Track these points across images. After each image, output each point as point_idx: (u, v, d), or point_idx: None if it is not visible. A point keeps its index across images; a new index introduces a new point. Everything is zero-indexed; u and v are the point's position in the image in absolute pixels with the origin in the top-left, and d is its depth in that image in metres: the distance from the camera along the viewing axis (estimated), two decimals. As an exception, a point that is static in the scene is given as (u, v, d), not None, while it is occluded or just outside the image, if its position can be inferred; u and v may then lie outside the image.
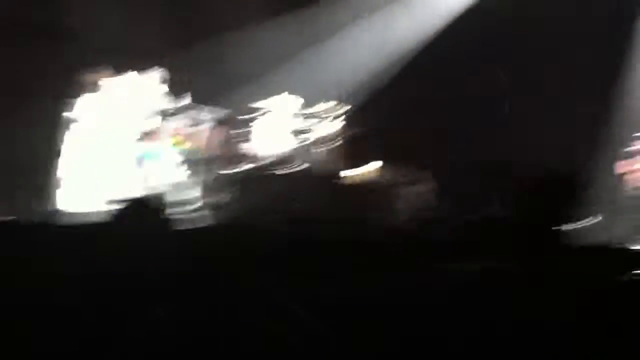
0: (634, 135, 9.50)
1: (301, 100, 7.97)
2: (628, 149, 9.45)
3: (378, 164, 8.73)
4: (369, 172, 8.57)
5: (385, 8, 9.51)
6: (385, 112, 8.81)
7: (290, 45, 8.77)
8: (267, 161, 7.58)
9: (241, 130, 7.70)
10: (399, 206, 8.36)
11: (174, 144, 6.90)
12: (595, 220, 9.89)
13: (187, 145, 6.89)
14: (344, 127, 8.25)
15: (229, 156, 7.00)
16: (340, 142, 8.14)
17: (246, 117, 7.78)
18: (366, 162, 8.65)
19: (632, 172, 9.36)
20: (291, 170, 7.43)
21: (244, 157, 7.67)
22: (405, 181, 8.86)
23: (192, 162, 6.81)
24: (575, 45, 10.04)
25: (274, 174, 7.40)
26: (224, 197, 6.87)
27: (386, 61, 9.30)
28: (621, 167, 9.40)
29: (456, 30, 9.54)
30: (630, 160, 9.38)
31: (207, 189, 6.83)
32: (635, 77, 10.68)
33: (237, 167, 7.37)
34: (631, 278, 4.11)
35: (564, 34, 10.03)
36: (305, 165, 7.52)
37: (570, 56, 10.21)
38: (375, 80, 9.19)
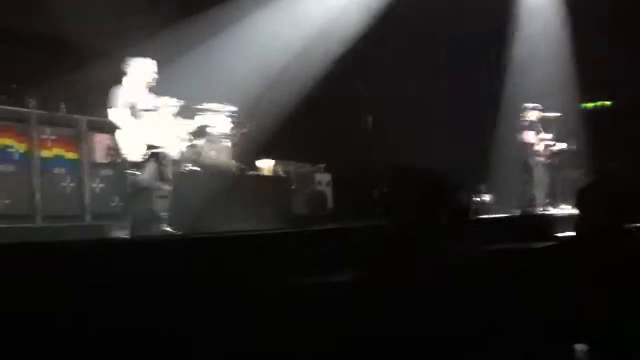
0: (527, 105, 10.10)
1: (183, 102, 7.84)
2: (527, 121, 10.03)
3: (270, 161, 8.79)
4: (261, 169, 8.62)
5: (265, 12, 9.58)
6: (272, 113, 8.89)
7: (174, 47, 8.64)
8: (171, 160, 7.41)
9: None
10: (291, 202, 8.46)
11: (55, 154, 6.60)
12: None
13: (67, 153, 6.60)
14: (233, 127, 8.23)
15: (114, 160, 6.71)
16: (230, 141, 8.12)
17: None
18: (257, 160, 8.71)
19: (533, 142, 9.93)
20: (183, 170, 7.31)
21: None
22: (294, 179, 8.99)
23: (72, 169, 6.51)
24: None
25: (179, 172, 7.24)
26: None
27: (269, 64, 9.38)
28: (526, 137, 9.92)
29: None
30: (532, 130, 9.95)
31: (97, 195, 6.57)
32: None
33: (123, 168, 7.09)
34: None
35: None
36: (198, 163, 7.41)
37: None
38: (259, 82, 9.27)
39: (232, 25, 9.25)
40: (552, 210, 9.46)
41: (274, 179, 8.62)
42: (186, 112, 7.97)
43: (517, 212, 9.31)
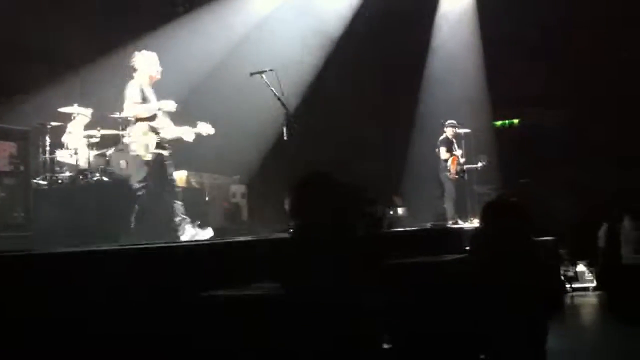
0: (443, 122, 10.37)
1: (91, 110, 7.65)
2: (442, 137, 10.30)
3: (183, 172, 8.62)
4: (178, 179, 8.44)
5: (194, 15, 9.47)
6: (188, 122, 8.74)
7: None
8: (76, 170, 7.19)
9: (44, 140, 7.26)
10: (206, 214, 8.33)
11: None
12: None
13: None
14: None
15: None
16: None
17: (49, 126, 7.33)
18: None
19: (448, 157, 10.19)
20: (96, 179, 7.08)
21: (52, 167, 7.24)
22: (208, 190, 8.87)
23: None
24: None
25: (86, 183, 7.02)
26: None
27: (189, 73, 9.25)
28: (442, 152, 10.18)
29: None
30: (447, 147, 10.22)
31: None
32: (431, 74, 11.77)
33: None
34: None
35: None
36: (112, 173, 7.20)
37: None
38: (179, 91, 9.12)
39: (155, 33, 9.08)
40: (461, 224, 9.71)
41: (186, 190, 8.46)
42: (97, 120, 7.77)
43: (429, 225, 9.51)
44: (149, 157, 6.57)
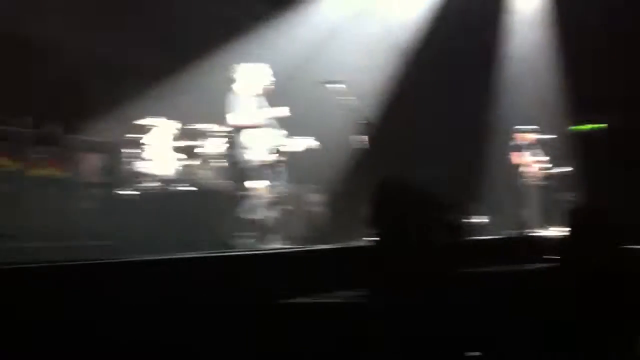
0: (514, 128, 10.20)
1: (175, 122, 7.92)
2: (513, 142, 10.13)
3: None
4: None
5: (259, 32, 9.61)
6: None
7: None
8: (161, 181, 7.47)
9: (127, 152, 7.57)
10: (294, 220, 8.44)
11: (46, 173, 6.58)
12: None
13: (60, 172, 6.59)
14: (228, 146, 8.23)
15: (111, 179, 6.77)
16: (227, 161, 8.12)
17: (129, 138, 7.65)
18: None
19: (525, 164, 10.02)
20: (182, 189, 7.32)
21: (138, 178, 7.55)
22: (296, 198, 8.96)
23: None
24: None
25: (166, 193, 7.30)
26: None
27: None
28: (514, 158, 10.03)
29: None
30: (519, 152, 10.04)
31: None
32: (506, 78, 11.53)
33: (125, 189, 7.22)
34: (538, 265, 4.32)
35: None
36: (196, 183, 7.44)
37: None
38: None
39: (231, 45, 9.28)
40: (543, 232, 9.46)
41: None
42: (178, 131, 8.01)
43: (510, 234, 9.30)
44: (260, 163, 6.79)
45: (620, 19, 10.61)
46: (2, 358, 2.79)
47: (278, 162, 6.92)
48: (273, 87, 7.03)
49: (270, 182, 6.87)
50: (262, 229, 6.86)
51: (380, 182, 3.48)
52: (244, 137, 6.81)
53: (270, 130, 6.94)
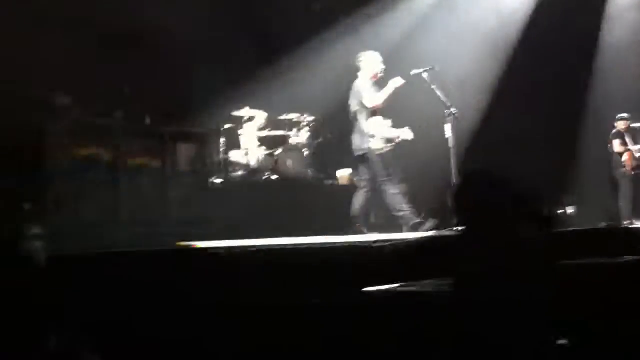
0: (619, 116, 9.87)
1: (262, 112, 8.09)
2: (615, 130, 9.81)
3: (348, 170, 8.81)
4: (342, 177, 8.65)
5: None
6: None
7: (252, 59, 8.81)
8: (248, 170, 7.68)
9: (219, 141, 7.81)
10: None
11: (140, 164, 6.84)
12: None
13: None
14: (311, 136, 8.33)
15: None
16: (311, 151, 8.23)
17: (223, 128, 7.89)
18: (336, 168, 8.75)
19: (624, 152, 9.70)
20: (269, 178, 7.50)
21: (227, 167, 7.80)
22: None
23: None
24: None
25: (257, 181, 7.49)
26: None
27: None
28: (616, 146, 9.72)
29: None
30: (621, 140, 9.72)
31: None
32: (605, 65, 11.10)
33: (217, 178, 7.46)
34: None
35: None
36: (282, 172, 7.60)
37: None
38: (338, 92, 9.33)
39: (317, 35, 9.35)
40: (638, 224, 9.10)
41: (351, 188, 8.63)
42: (266, 122, 8.17)
43: (602, 225, 8.99)
44: (384, 150, 6.89)
45: None
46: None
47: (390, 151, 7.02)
48: (382, 75, 7.13)
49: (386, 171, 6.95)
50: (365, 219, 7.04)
51: (465, 173, 3.45)
52: (369, 124, 6.94)
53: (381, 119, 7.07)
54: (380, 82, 7.13)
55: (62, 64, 6.53)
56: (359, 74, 7.12)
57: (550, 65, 10.89)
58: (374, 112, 7.00)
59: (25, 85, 5.97)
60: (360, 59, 7.15)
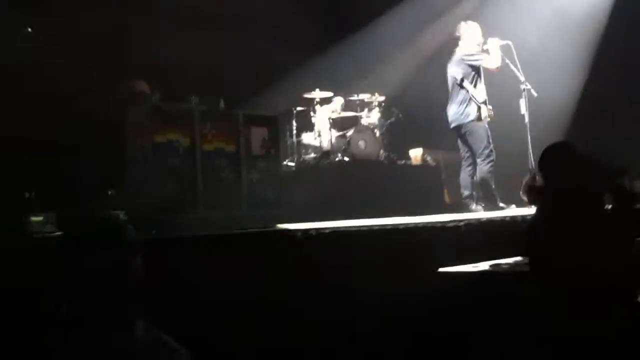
0: None
1: (332, 94, 8.11)
2: None
3: (419, 149, 8.76)
4: (415, 156, 8.61)
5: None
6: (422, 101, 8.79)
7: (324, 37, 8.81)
8: (321, 152, 7.75)
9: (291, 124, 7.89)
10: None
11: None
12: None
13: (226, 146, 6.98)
14: (383, 116, 8.30)
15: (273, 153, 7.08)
16: (382, 131, 8.20)
17: (295, 111, 7.97)
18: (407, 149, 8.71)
19: None
20: (342, 159, 7.51)
21: (299, 150, 7.88)
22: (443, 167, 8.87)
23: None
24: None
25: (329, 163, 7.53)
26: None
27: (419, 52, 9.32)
28: None
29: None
30: None
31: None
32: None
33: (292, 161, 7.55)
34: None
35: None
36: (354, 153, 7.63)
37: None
38: (408, 70, 9.23)
39: (383, 14, 9.28)
40: None
41: (422, 167, 8.58)
42: (337, 103, 8.18)
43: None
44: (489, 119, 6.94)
45: None
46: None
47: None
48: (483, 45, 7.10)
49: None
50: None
51: (547, 147, 3.39)
52: (478, 91, 6.93)
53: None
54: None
55: (139, 50, 6.76)
56: (460, 43, 7.09)
57: (627, 32, 10.41)
58: (479, 77, 6.98)
59: (106, 74, 6.18)
60: (461, 29, 7.11)
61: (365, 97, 8.30)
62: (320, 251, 3.65)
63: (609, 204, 3.37)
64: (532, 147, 6.69)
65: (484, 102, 6.92)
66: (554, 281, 3.05)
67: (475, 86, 6.93)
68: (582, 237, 3.05)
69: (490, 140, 6.90)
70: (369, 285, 3.56)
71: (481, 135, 6.87)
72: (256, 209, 6.86)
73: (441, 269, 3.74)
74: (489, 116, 6.91)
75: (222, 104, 6.86)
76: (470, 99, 6.88)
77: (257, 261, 3.45)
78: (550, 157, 3.34)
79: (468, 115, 6.91)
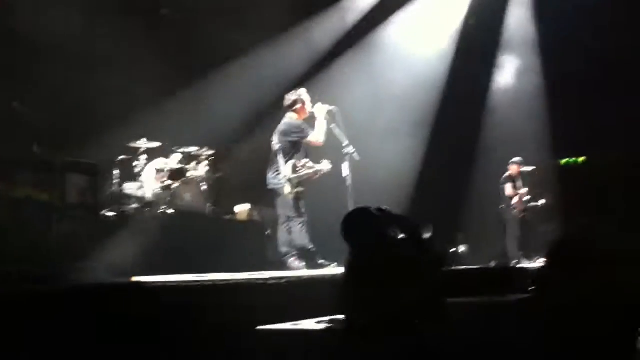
0: (511, 161, 10.35)
1: (159, 144, 7.93)
2: (506, 174, 10.28)
3: (247, 205, 8.74)
4: (240, 213, 8.57)
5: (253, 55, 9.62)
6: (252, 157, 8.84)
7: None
8: (143, 203, 7.45)
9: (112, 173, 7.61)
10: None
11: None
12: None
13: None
14: (210, 170, 8.22)
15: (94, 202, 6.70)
16: (209, 184, 8.10)
17: (117, 159, 7.65)
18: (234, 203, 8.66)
19: (517, 195, 10.16)
20: (161, 211, 7.29)
21: (121, 199, 7.54)
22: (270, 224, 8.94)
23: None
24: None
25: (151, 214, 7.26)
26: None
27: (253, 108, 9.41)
28: (507, 190, 10.17)
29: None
30: (512, 184, 10.19)
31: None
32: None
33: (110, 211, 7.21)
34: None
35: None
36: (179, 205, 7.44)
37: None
38: (239, 126, 9.28)
39: (220, 69, 9.31)
40: (526, 264, 9.49)
41: (249, 223, 8.56)
42: (164, 154, 7.98)
43: (492, 264, 9.32)
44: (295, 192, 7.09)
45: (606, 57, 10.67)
46: None
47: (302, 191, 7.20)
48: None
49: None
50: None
51: (347, 213, 3.51)
52: (287, 167, 7.09)
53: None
54: (308, 120, 7.31)
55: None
56: (288, 114, 7.27)
57: (444, 102, 11.29)
58: (296, 152, 7.14)
59: None
60: (290, 97, 7.27)
61: (193, 150, 8.19)
62: (131, 307, 3.45)
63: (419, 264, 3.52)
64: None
65: (290, 180, 7.08)
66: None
67: (290, 159, 7.11)
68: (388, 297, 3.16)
69: (301, 209, 7.13)
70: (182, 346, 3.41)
71: (288, 204, 7.10)
72: (72, 262, 6.43)
73: (259, 327, 3.67)
74: (293, 193, 7.08)
75: (36, 149, 6.43)
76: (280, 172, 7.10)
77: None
78: (348, 223, 3.46)
79: (277, 185, 7.16)
